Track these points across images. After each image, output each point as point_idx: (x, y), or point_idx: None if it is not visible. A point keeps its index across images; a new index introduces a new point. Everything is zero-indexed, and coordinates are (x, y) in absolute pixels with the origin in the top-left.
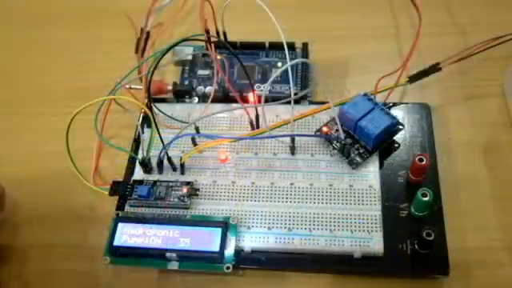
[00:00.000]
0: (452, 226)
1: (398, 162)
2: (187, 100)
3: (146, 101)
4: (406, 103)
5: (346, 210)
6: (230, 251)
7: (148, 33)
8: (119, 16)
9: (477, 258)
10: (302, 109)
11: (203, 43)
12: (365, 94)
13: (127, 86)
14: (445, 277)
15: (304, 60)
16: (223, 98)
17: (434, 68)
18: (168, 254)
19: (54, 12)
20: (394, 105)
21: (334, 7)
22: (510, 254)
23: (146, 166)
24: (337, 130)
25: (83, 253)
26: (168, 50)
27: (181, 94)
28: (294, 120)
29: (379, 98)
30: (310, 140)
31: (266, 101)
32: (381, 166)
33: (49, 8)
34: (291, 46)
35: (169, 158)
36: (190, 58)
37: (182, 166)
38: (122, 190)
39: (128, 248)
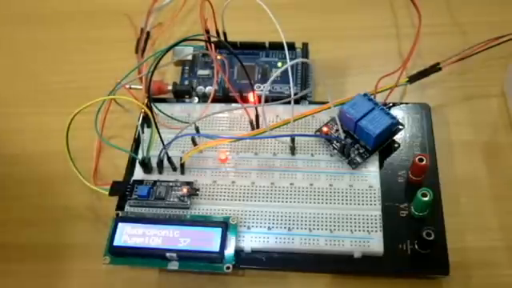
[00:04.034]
0: (452, 226)
1: (397, 162)
2: (187, 100)
3: (146, 101)
4: (406, 103)
5: (346, 210)
6: (230, 251)
7: (148, 33)
8: (119, 16)
9: (477, 258)
10: (302, 109)
11: (203, 43)
12: (365, 94)
13: (127, 86)
14: (445, 277)
15: (304, 60)
16: (223, 97)
17: (434, 68)
18: (168, 254)
19: (53, 12)
20: (394, 105)
21: (334, 7)
22: (509, 254)
23: (146, 166)
24: (337, 130)
25: (83, 253)
26: (168, 49)
27: (181, 94)
28: (294, 120)
29: (379, 98)
30: (310, 140)
31: (266, 101)
32: (381, 166)
33: (49, 8)
34: (291, 46)
35: (169, 158)
36: (190, 58)
37: (182, 166)
38: (122, 190)
39: (128, 248)
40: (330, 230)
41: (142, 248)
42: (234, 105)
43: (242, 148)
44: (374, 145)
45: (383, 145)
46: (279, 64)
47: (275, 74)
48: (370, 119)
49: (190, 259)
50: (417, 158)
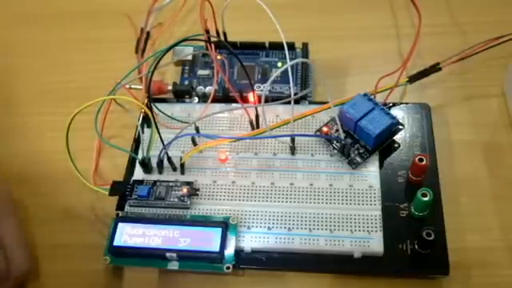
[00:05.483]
0: (452, 226)
1: (397, 162)
2: (187, 100)
3: (146, 101)
4: (406, 103)
5: (346, 210)
6: (230, 251)
7: (148, 33)
8: (119, 16)
9: (477, 258)
10: (302, 109)
11: (203, 43)
12: (365, 94)
13: (127, 86)
14: (445, 277)
15: (304, 60)
16: (223, 97)
17: (434, 68)
18: (168, 254)
19: (53, 12)
20: (394, 105)
21: (334, 7)
22: (509, 254)
23: (146, 166)
24: (337, 130)
25: (83, 253)
26: (168, 49)
27: (181, 94)
28: (294, 120)
29: (379, 98)
30: (310, 140)
31: (266, 101)
32: (381, 166)
33: (49, 8)
34: (291, 46)
35: (169, 158)
36: (190, 58)
37: (182, 166)
38: (122, 190)
39: (128, 248)
40: (330, 229)
41: (142, 248)
42: (234, 105)
43: (241, 148)
44: (374, 145)
45: (383, 145)
46: (279, 64)
47: (275, 74)
48: (369, 119)
49: (190, 259)
50: (417, 158)
